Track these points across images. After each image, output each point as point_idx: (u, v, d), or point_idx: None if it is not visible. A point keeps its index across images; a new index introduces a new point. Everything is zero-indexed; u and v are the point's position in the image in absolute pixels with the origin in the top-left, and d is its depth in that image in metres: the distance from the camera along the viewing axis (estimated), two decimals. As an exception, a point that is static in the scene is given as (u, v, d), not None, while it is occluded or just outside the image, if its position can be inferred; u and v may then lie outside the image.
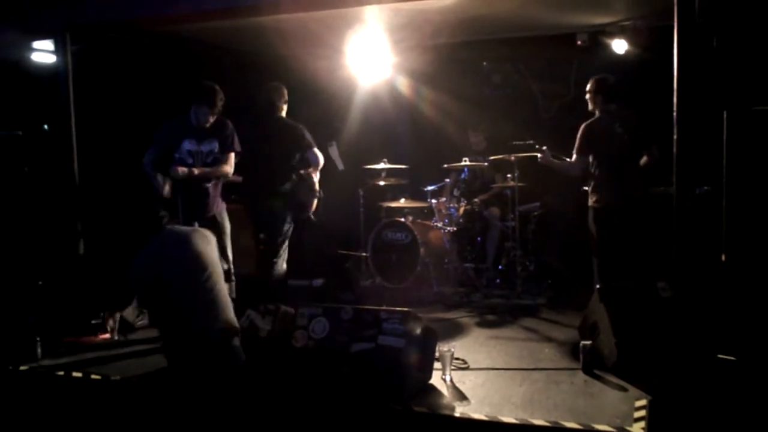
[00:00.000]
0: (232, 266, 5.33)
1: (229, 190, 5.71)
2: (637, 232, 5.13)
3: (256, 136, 5.51)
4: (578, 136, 5.29)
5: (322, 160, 5.66)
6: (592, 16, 6.09)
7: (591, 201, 5.32)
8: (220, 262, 4.35)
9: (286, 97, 5.63)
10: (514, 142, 6.12)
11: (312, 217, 5.82)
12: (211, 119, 5.16)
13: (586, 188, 5.43)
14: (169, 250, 4.27)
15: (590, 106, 5.37)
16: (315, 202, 5.74)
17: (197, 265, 4.21)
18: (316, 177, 5.68)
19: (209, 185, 5.22)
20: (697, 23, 3.91)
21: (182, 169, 5.06)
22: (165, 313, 4.22)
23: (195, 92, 5.14)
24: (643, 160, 5.29)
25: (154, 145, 5.20)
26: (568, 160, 5.46)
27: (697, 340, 3.86)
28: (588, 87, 5.37)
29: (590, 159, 5.28)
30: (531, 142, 5.89)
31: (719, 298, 3.98)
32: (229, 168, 5.28)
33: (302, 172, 5.61)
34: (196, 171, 5.13)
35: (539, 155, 5.60)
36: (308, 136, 5.58)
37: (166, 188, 5.08)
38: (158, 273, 4.17)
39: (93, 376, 4.40)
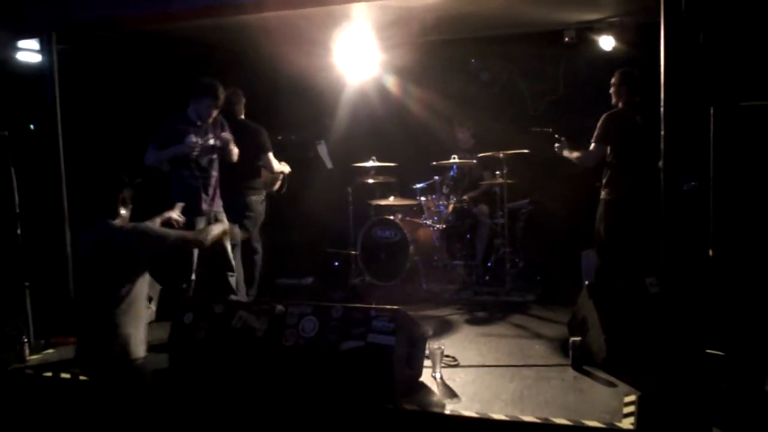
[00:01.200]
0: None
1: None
2: (647, 226, 5.10)
3: None
4: (599, 124, 5.29)
5: (276, 166, 5.77)
6: (580, 13, 6.11)
7: (603, 194, 5.31)
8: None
9: (244, 100, 5.75)
10: (531, 129, 6.05)
11: (275, 190, 6.05)
12: (214, 113, 5.10)
13: (599, 184, 5.41)
14: (87, 253, 3.92)
15: (614, 99, 5.37)
16: (278, 179, 5.99)
17: (106, 272, 3.78)
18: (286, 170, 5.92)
19: (215, 175, 5.18)
20: (683, 20, 3.93)
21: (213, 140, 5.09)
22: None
23: (195, 87, 5.08)
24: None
25: (157, 145, 5.02)
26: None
27: (685, 335, 3.89)
28: (613, 80, 5.37)
29: (608, 150, 5.28)
30: (550, 130, 5.82)
31: (707, 293, 4.00)
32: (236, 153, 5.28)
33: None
34: (220, 142, 5.13)
35: (556, 145, 5.59)
36: (267, 139, 5.68)
37: (193, 139, 4.97)
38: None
39: (81, 377, 4.37)
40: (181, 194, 4.92)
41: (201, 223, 5.01)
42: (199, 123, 5.07)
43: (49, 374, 4.46)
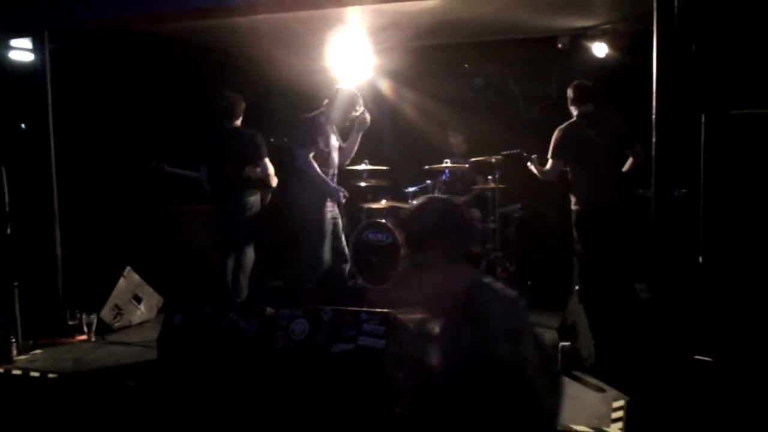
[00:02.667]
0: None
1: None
2: (619, 234, 5.15)
3: (215, 143, 5.68)
4: (552, 140, 5.35)
5: (271, 170, 5.73)
6: (573, 20, 6.12)
7: (571, 204, 5.37)
8: None
9: (243, 105, 5.74)
10: (502, 153, 6.10)
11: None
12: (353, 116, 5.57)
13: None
14: None
15: (573, 112, 5.42)
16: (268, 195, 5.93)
17: None
18: (273, 182, 5.81)
19: None
20: (676, 27, 3.95)
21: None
22: None
23: (344, 89, 5.51)
24: (628, 162, 5.32)
25: (312, 143, 5.33)
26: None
27: (674, 341, 3.90)
28: (567, 95, 5.42)
29: (563, 163, 5.33)
30: (518, 150, 5.87)
31: (696, 299, 4.01)
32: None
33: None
34: None
35: (528, 163, 5.64)
36: (264, 145, 5.66)
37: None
38: None
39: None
40: (317, 191, 5.36)
41: (329, 219, 5.43)
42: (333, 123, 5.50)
43: (37, 374, 4.44)
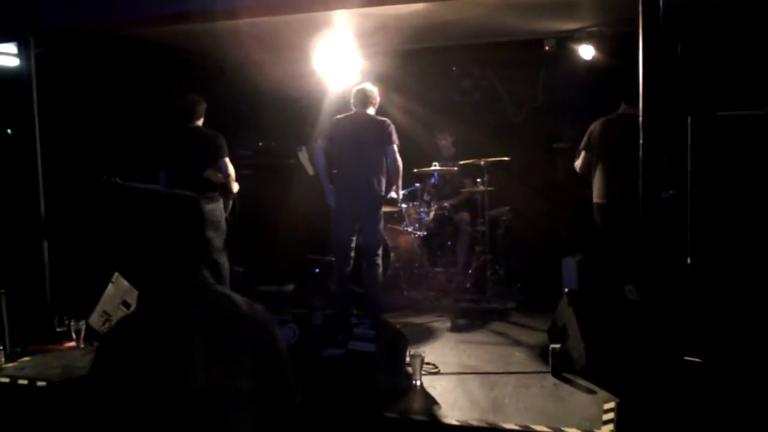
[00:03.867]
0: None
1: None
2: (632, 234, 5.14)
3: (175, 145, 5.56)
4: (585, 133, 5.48)
5: (231, 171, 5.55)
6: (560, 23, 6.15)
7: (593, 197, 5.51)
8: None
9: (204, 106, 5.62)
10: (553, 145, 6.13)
11: (228, 216, 5.77)
12: None
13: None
14: None
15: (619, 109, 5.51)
16: (229, 203, 5.77)
17: None
18: (234, 187, 5.65)
19: None
20: (661, 30, 3.98)
21: None
22: None
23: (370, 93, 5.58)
24: None
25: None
26: None
27: (663, 342, 3.92)
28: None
29: (591, 156, 5.40)
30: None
31: (685, 300, 4.04)
32: None
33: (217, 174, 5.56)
34: None
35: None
36: (224, 144, 5.51)
37: None
38: None
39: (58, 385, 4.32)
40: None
41: None
42: None
43: (25, 382, 4.41)
